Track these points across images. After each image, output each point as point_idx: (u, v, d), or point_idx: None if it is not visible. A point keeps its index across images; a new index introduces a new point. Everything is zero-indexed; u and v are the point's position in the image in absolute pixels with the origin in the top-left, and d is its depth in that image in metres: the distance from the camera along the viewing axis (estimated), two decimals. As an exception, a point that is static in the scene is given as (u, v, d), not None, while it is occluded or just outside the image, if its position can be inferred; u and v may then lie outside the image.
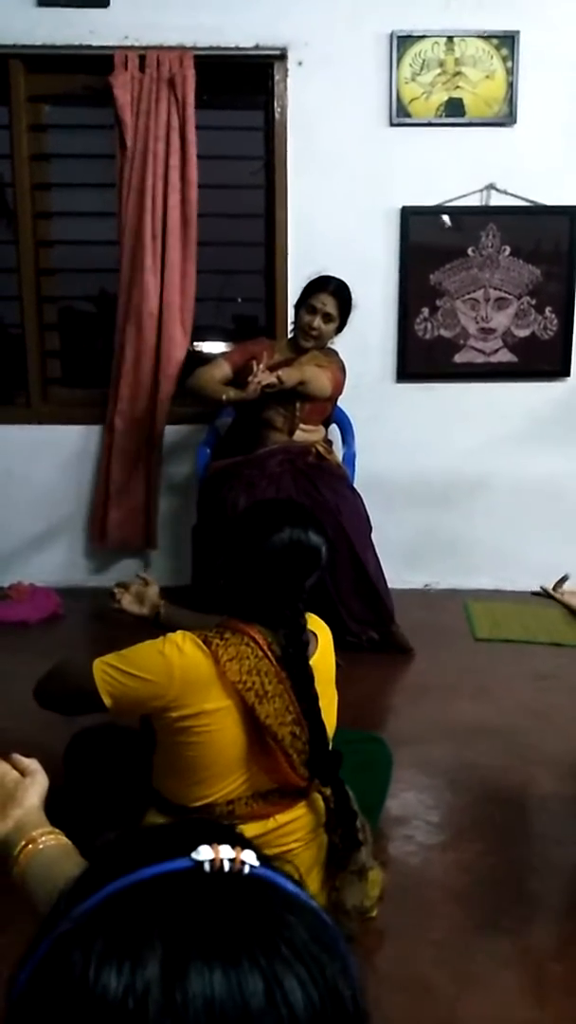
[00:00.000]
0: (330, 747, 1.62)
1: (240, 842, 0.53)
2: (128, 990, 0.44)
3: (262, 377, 2.92)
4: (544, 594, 2.04)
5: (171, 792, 1.63)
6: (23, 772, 1.01)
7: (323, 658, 1.69)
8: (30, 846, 0.94)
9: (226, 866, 0.51)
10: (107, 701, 1.54)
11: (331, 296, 3.15)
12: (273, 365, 3.09)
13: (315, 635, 1.70)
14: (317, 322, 3.15)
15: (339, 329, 3.22)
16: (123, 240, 3.50)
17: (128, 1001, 0.44)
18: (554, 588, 2.03)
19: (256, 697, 1.53)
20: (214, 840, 0.52)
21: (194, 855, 0.51)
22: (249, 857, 0.52)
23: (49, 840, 0.95)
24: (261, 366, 3.00)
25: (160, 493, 3.72)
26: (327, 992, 0.47)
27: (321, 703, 1.61)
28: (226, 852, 0.51)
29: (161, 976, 0.44)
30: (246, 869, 0.51)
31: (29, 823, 0.96)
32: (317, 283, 3.18)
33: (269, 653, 1.57)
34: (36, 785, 1.00)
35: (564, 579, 2.03)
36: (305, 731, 1.58)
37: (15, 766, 1.02)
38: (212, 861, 0.50)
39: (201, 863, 0.50)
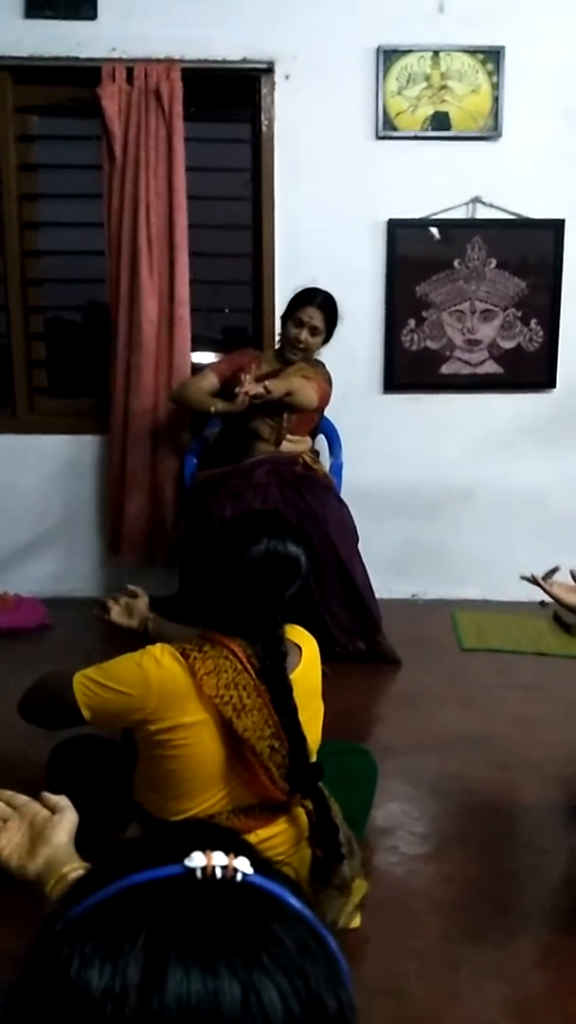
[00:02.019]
0: (311, 760, 1.61)
1: (237, 847, 0.54)
2: (107, 991, 0.45)
3: (249, 387, 2.93)
4: (532, 581, 2.04)
5: (152, 806, 1.62)
6: (52, 809, 1.03)
7: (307, 671, 1.68)
8: (60, 883, 0.96)
9: (218, 873, 0.51)
10: (86, 714, 1.55)
11: (318, 309, 3.17)
12: (260, 376, 3.10)
13: (299, 647, 1.69)
14: (304, 335, 3.17)
15: (325, 341, 3.23)
16: (112, 250, 3.51)
17: (107, 1002, 0.45)
18: (544, 578, 2.03)
19: (233, 711, 1.52)
20: (211, 845, 0.53)
21: (187, 861, 0.51)
22: (242, 864, 0.52)
23: (79, 874, 0.96)
24: (248, 377, 3.01)
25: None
26: (310, 1003, 0.47)
27: (303, 716, 1.60)
28: (219, 859, 0.52)
29: (140, 979, 0.45)
30: (238, 877, 0.51)
31: (59, 860, 0.99)
32: (304, 296, 3.20)
33: (248, 666, 1.56)
34: (65, 822, 1.02)
35: (555, 570, 2.03)
36: (285, 744, 1.57)
37: (44, 803, 1.04)
38: (204, 868, 0.51)
39: (193, 870, 0.51)
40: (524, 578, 2.04)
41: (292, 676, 1.62)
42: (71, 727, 1.62)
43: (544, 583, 1.99)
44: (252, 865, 0.53)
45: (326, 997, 0.49)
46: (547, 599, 2.05)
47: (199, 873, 0.51)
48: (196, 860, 0.51)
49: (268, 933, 0.49)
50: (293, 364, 3.23)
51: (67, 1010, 0.46)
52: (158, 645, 1.58)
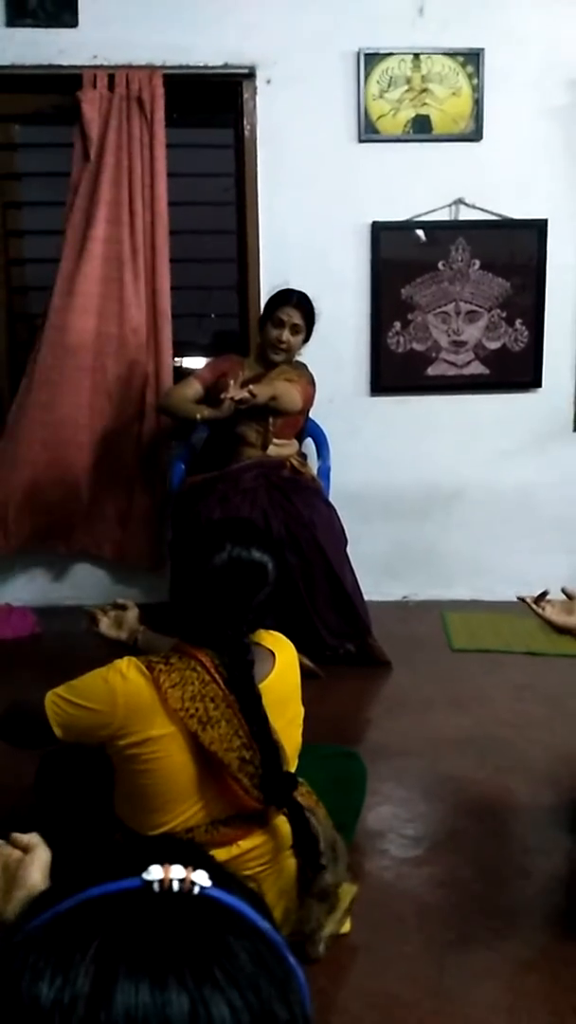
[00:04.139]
0: (286, 768, 1.59)
1: (197, 861, 0.54)
2: (56, 1003, 0.45)
3: (234, 393, 2.93)
4: (524, 603, 1.99)
5: (130, 820, 1.62)
6: (24, 849, 1.01)
7: (281, 677, 1.67)
8: None
9: (175, 886, 0.51)
10: (58, 732, 1.54)
11: (295, 308, 3.18)
12: (245, 381, 3.11)
13: (272, 654, 1.68)
14: (285, 335, 3.17)
15: (306, 340, 3.23)
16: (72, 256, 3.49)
17: (55, 1014, 0.45)
18: (536, 601, 1.97)
19: (199, 724, 1.51)
20: (171, 859, 0.53)
21: (144, 875, 0.51)
22: (200, 878, 0.52)
23: None
24: (233, 383, 3.02)
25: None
26: (261, 1016, 0.47)
27: (279, 723, 1.59)
28: (177, 872, 0.52)
29: (89, 991, 0.45)
30: (196, 890, 0.51)
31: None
32: (280, 297, 3.21)
33: (217, 676, 1.55)
34: (36, 862, 0.99)
35: (545, 593, 1.98)
36: (257, 755, 1.55)
37: (15, 844, 1.01)
38: (161, 881, 0.51)
39: (151, 883, 0.51)
40: (520, 599, 1.99)
41: (264, 684, 1.61)
42: (47, 746, 1.61)
43: (536, 607, 1.94)
44: (211, 878, 0.53)
45: (278, 1010, 0.49)
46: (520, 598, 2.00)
47: (156, 886, 0.51)
48: (153, 873, 0.51)
49: (222, 946, 0.49)
50: (276, 367, 3.23)
51: (17, 1022, 0.46)
52: (125, 659, 1.57)
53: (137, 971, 0.46)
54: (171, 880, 0.51)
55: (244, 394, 2.93)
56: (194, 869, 0.52)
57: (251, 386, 2.97)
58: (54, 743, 1.57)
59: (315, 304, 3.21)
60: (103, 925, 0.49)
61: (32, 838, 1.02)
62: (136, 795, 1.59)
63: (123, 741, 1.54)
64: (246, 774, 1.55)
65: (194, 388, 3.23)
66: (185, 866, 0.52)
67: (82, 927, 0.49)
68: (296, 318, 3.17)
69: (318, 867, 1.59)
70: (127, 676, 1.53)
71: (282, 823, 1.63)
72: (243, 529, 1.69)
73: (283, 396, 3.11)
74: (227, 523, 1.78)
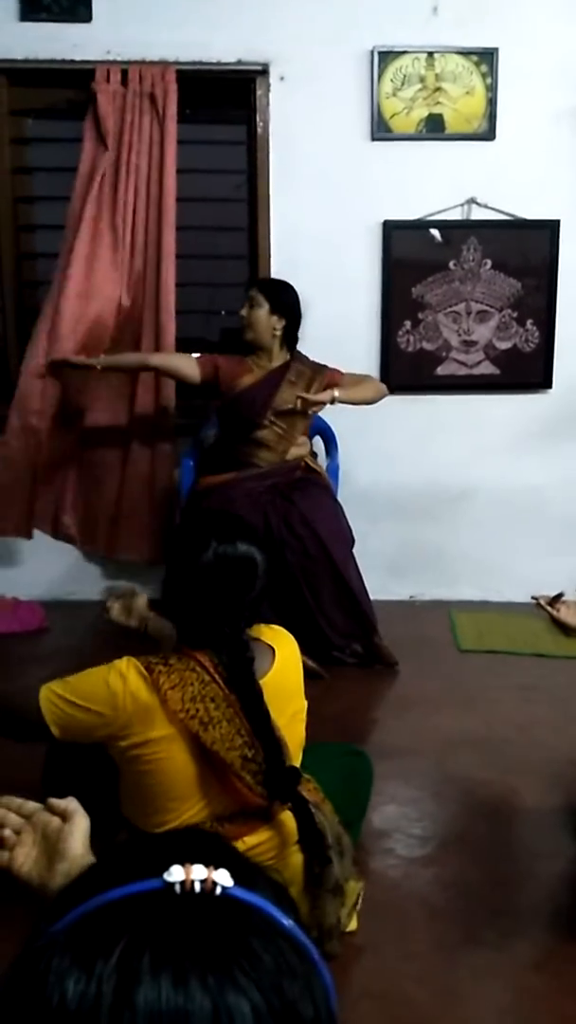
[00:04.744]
0: (289, 764, 1.58)
1: (219, 858, 0.54)
2: (80, 1008, 0.46)
3: (321, 397, 3.05)
4: (538, 605, 1.98)
5: (135, 819, 1.61)
6: (63, 815, 0.98)
7: (281, 672, 1.66)
8: None
9: (196, 887, 0.51)
10: (55, 731, 1.53)
11: (257, 288, 3.21)
12: (264, 380, 3.13)
13: (272, 648, 1.67)
14: (244, 310, 3.18)
15: (288, 320, 3.18)
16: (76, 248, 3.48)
17: (79, 1019, 0.45)
18: (551, 603, 1.96)
19: (200, 725, 1.50)
20: (192, 858, 0.52)
21: (166, 876, 0.51)
22: (222, 877, 0.52)
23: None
24: (316, 386, 3.14)
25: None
26: (285, 1017, 0.47)
27: (282, 720, 1.58)
28: (198, 872, 0.51)
29: (112, 997, 0.46)
30: (218, 890, 0.51)
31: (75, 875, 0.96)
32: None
33: (216, 676, 1.53)
34: (76, 831, 0.96)
35: (560, 596, 1.96)
36: (260, 752, 1.54)
37: (54, 810, 0.98)
38: (183, 883, 0.51)
39: (172, 884, 0.51)
40: (534, 598, 1.98)
41: (264, 679, 1.59)
42: (40, 741, 1.59)
43: (551, 608, 1.93)
44: (234, 876, 0.52)
45: (302, 1009, 0.49)
46: (534, 599, 1.99)
47: (178, 888, 0.51)
48: (175, 874, 0.51)
49: (244, 948, 0.49)
50: (289, 368, 3.20)
51: (43, 1022, 0.46)
52: (124, 659, 1.55)
53: (159, 975, 0.46)
54: (192, 881, 0.51)
55: (326, 398, 3.05)
56: (216, 867, 0.52)
57: (333, 390, 3.07)
58: (47, 739, 1.55)
59: (298, 292, 3.20)
60: (125, 928, 0.49)
61: (70, 803, 0.99)
62: (139, 794, 1.59)
63: (124, 742, 1.54)
64: (249, 772, 1.54)
65: (192, 367, 3.20)
66: (207, 864, 0.52)
67: (105, 930, 0.49)
68: (256, 295, 3.17)
69: (325, 860, 1.58)
70: (127, 678, 1.52)
71: (287, 818, 1.63)
72: (226, 524, 1.66)
73: (350, 391, 3.16)
74: (209, 520, 1.73)
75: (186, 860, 0.52)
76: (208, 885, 0.51)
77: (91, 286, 3.42)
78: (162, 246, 3.45)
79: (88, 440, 3.60)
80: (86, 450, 3.61)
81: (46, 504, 3.61)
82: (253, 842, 1.60)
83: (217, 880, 0.51)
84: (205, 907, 0.51)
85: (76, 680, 1.55)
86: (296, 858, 1.63)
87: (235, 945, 0.49)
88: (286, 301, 3.18)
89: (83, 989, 0.46)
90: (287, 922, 0.53)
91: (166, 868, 0.51)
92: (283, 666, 1.67)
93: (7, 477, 3.50)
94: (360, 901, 1.76)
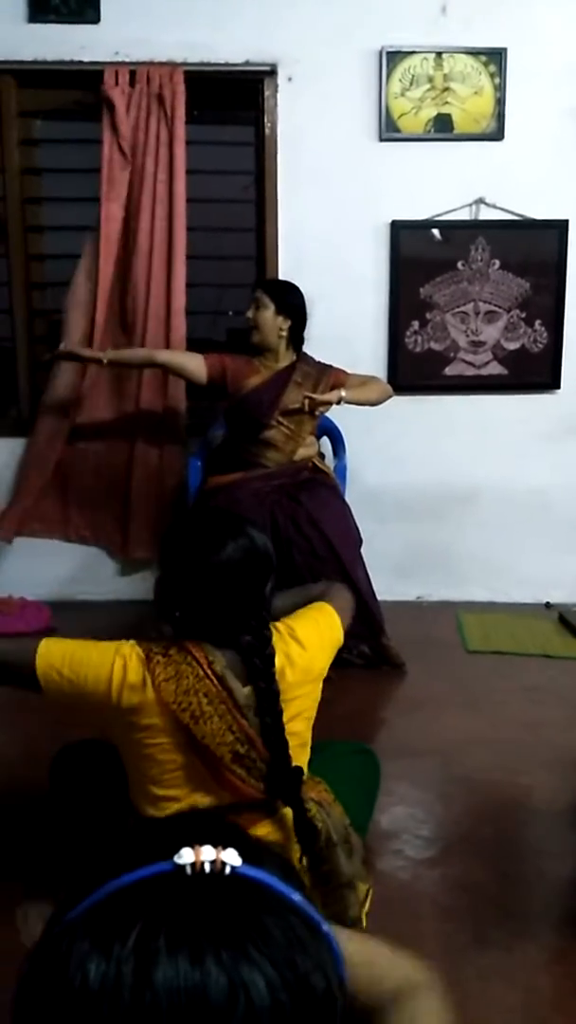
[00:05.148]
0: (291, 763, 1.58)
1: (227, 838, 0.55)
2: (102, 990, 0.47)
3: (328, 397, 3.05)
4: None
5: (138, 805, 1.62)
6: None
7: (291, 669, 1.64)
8: None
9: (207, 868, 0.52)
10: (45, 697, 1.52)
11: (262, 290, 3.21)
12: (271, 380, 3.12)
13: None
14: (250, 312, 3.18)
15: (296, 326, 3.19)
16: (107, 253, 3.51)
17: (102, 999, 0.47)
18: None
19: (191, 718, 1.51)
20: (200, 839, 0.54)
21: (176, 858, 0.53)
22: (230, 857, 0.53)
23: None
24: (323, 386, 3.14)
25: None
26: (298, 990, 0.49)
27: (284, 717, 1.57)
28: (207, 854, 0.53)
29: (132, 978, 0.47)
30: (227, 870, 0.53)
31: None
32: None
33: (210, 673, 1.53)
34: None
35: None
36: (254, 749, 1.54)
37: None
38: (193, 864, 0.53)
39: (183, 866, 0.52)
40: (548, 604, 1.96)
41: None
42: (20, 688, 1.55)
43: None
44: (241, 854, 0.54)
45: (315, 981, 0.50)
46: (553, 600, 1.99)
47: (188, 869, 0.52)
48: (185, 856, 0.53)
49: (256, 925, 0.50)
50: (295, 368, 3.20)
51: (65, 1009, 0.48)
52: (128, 644, 1.55)
53: (176, 953, 0.48)
54: (202, 862, 0.52)
55: (333, 398, 3.05)
56: (224, 847, 0.53)
57: (340, 391, 3.07)
58: (32, 691, 1.53)
59: (304, 293, 3.21)
60: (141, 911, 0.50)
61: None
62: (139, 780, 1.59)
63: (117, 728, 1.54)
64: (242, 766, 1.54)
65: (198, 365, 3.20)
66: (215, 845, 0.53)
67: (121, 914, 0.50)
68: (261, 296, 3.18)
69: (320, 860, 1.58)
70: (128, 664, 1.52)
71: (290, 812, 1.63)
72: (233, 522, 1.65)
73: (355, 392, 3.17)
74: (212, 520, 1.71)
75: (195, 842, 0.53)
76: (218, 865, 0.53)
77: (119, 286, 3.45)
78: (173, 246, 3.46)
79: (99, 440, 3.61)
80: (98, 451, 3.62)
81: (60, 505, 3.65)
82: (255, 835, 1.59)
83: (226, 860, 0.53)
84: (216, 887, 0.52)
85: (80, 651, 1.53)
86: (298, 853, 1.63)
87: (247, 922, 0.50)
88: (291, 302, 3.18)
89: (104, 970, 0.48)
90: (296, 897, 0.54)
91: (176, 851, 0.53)
92: (290, 663, 1.66)
93: (38, 478, 3.55)
94: (369, 901, 1.76)
